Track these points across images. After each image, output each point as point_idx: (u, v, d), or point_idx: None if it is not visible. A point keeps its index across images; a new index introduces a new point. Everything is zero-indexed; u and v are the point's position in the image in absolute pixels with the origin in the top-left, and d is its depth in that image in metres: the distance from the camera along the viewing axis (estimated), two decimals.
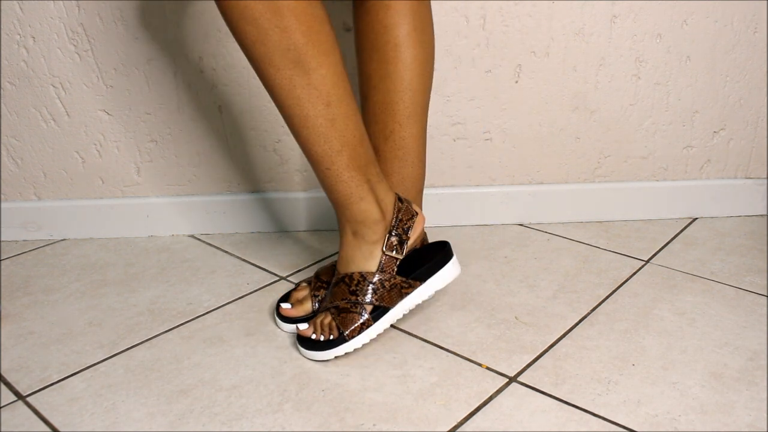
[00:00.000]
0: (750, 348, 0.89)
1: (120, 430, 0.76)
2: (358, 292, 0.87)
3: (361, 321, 0.86)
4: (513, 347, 0.90)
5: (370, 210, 0.86)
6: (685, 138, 1.24)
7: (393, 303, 0.88)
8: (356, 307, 0.87)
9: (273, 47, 0.75)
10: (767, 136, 1.25)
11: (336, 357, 0.86)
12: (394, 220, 0.89)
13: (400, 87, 0.91)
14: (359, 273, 0.87)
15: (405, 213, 0.90)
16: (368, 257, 0.87)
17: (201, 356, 0.89)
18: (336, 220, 1.26)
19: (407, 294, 0.89)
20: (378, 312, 0.87)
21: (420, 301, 0.90)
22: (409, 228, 0.90)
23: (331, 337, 0.86)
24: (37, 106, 1.17)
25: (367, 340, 0.87)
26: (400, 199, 0.90)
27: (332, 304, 0.88)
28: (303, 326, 0.88)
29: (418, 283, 0.89)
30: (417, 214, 0.92)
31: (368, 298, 0.86)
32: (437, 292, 0.98)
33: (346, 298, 0.87)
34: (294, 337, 0.92)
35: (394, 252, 0.88)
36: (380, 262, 0.87)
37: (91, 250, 1.20)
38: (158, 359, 0.88)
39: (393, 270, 0.88)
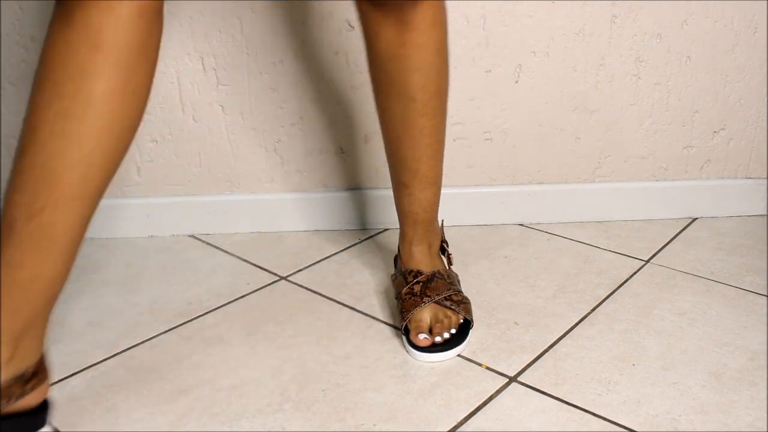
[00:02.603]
0: (750, 348, 0.89)
1: (120, 430, 0.76)
2: (454, 282, 0.94)
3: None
4: (513, 347, 0.90)
5: (438, 226, 0.98)
6: (685, 138, 1.24)
7: None
8: (462, 295, 0.93)
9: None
10: (767, 136, 1.25)
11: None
12: (443, 235, 1.00)
13: None
14: (444, 269, 0.95)
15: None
16: (441, 262, 0.97)
17: (201, 356, 0.89)
18: (332, 223, 1.26)
19: None
20: None
21: None
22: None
23: (446, 335, 0.88)
24: None
25: None
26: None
27: (441, 296, 0.91)
28: (423, 336, 0.87)
29: None
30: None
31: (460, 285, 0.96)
32: None
33: (451, 289, 0.92)
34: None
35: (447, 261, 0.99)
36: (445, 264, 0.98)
37: (91, 250, 1.20)
38: (158, 359, 0.88)
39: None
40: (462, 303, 0.91)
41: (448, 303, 0.90)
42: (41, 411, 0.71)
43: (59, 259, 0.68)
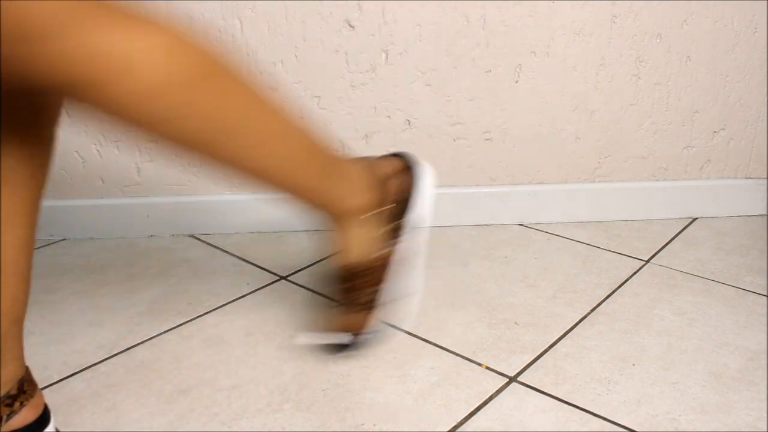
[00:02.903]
0: (750, 348, 0.89)
1: (120, 430, 0.76)
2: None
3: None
4: (513, 347, 0.90)
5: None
6: (685, 138, 1.24)
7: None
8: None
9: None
10: (767, 136, 1.25)
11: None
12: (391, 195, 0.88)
13: None
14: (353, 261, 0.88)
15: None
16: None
17: (201, 356, 0.89)
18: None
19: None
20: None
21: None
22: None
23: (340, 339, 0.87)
24: None
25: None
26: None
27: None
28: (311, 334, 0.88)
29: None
30: None
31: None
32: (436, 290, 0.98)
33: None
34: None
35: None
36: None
37: (91, 250, 1.20)
38: (158, 359, 0.88)
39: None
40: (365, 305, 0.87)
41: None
42: (40, 425, 0.72)
43: (10, 279, 0.67)
